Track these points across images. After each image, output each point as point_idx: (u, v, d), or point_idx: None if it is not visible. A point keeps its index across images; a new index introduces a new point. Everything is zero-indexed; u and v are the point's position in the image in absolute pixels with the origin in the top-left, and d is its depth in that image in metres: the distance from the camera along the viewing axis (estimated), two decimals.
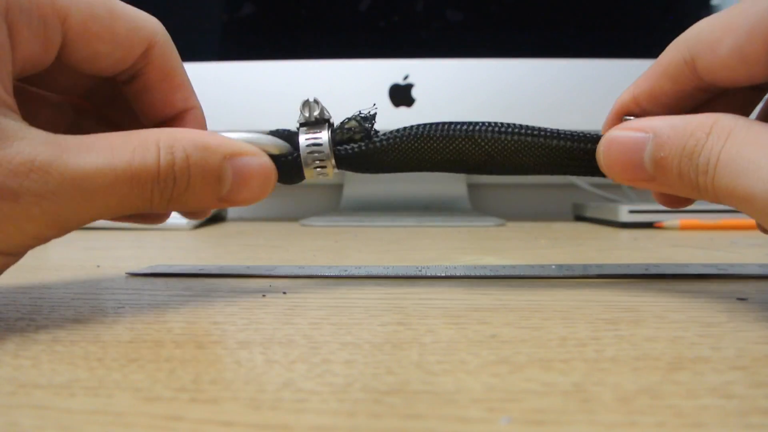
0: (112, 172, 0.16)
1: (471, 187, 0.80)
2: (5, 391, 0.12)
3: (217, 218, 0.66)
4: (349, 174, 0.75)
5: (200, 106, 0.23)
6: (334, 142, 0.22)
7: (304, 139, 0.21)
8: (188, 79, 0.23)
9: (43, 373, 0.13)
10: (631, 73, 0.69)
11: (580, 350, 0.14)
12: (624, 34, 0.64)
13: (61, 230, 0.17)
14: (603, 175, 0.21)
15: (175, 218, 0.58)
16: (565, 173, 0.22)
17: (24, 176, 0.15)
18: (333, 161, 0.22)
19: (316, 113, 0.21)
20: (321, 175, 0.22)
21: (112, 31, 0.19)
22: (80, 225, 0.17)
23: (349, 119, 0.22)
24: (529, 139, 0.21)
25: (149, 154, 0.17)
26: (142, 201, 0.17)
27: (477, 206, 0.80)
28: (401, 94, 0.63)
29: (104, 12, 0.19)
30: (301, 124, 0.22)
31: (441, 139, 0.21)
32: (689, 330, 0.16)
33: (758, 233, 0.49)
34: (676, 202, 0.22)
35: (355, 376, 0.13)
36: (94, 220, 0.17)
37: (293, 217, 0.70)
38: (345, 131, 0.22)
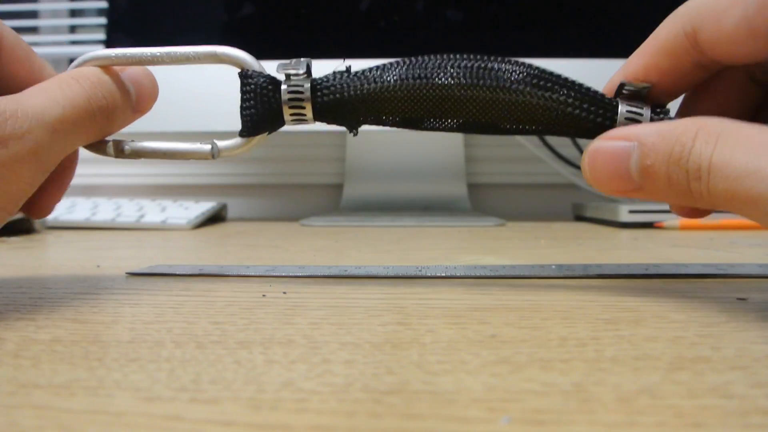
0: (69, 104, 0.20)
1: (471, 187, 0.80)
2: (5, 391, 0.12)
3: (217, 218, 0.66)
4: (349, 174, 0.75)
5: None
6: (313, 90, 0.22)
7: (285, 86, 0.22)
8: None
9: (43, 373, 0.13)
10: None
11: (580, 350, 0.14)
12: (624, 34, 0.64)
13: (45, 167, 0.19)
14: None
15: (176, 218, 0.58)
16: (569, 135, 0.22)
17: (3, 125, 0.17)
18: (311, 106, 0.22)
19: (302, 70, 0.22)
20: (299, 120, 0.22)
21: (29, 56, 0.23)
22: (57, 158, 0.20)
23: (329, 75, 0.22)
24: (540, 101, 0.20)
25: (91, 96, 0.21)
26: (91, 129, 0.21)
27: (477, 206, 0.80)
28: None
29: (19, 41, 0.22)
30: (286, 75, 0.22)
31: (425, 90, 0.21)
32: (689, 330, 0.16)
33: (758, 233, 0.49)
34: (695, 213, 0.21)
35: (355, 376, 0.13)
36: (65, 151, 0.20)
37: (293, 217, 0.70)
38: (324, 85, 0.22)
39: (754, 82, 0.21)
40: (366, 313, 0.19)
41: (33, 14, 1.04)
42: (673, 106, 0.22)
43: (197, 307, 0.20)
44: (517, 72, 0.21)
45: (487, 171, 0.83)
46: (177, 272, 0.27)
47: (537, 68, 0.21)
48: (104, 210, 0.59)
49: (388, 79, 0.22)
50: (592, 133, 0.21)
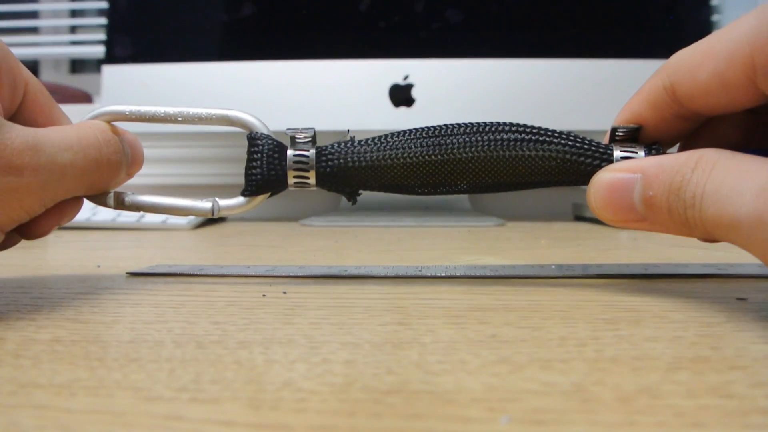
0: (82, 152, 0.21)
1: None
2: (6, 390, 0.12)
3: (218, 218, 0.66)
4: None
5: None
6: (318, 157, 0.23)
7: (291, 151, 0.23)
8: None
9: (43, 373, 0.13)
10: (630, 73, 0.69)
11: (580, 350, 0.14)
12: (624, 34, 0.64)
13: (45, 202, 0.20)
14: None
15: (176, 218, 0.58)
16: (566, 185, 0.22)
17: (24, 154, 0.18)
18: (315, 173, 0.23)
19: (308, 136, 0.23)
20: (302, 185, 0.23)
21: (50, 104, 0.24)
22: (58, 198, 0.21)
23: (334, 144, 0.23)
24: (532, 152, 0.21)
25: (99, 142, 0.22)
26: (100, 174, 0.22)
27: (477, 206, 0.80)
28: (401, 94, 0.63)
29: (42, 89, 0.24)
30: (292, 139, 0.23)
31: (423, 165, 0.22)
32: (689, 330, 0.16)
33: None
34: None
35: (355, 376, 0.13)
36: (68, 194, 0.21)
37: (293, 217, 0.70)
38: (328, 152, 0.23)
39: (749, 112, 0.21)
40: (366, 313, 0.19)
41: (33, 14, 1.04)
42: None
43: (197, 307, 0.20)
44: (516, 132, 0.22)
45: None
46: (177, 272, 0.27)
47: (532, 126, 0.22)
48: (105, 210, 0.59)
49: (389, 150, 0.23)
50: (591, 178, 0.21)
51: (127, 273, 0.27)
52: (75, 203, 0.23)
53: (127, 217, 0.57)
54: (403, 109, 0.63)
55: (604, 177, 0.20)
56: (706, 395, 0.11)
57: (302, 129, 0.23)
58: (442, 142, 0.22)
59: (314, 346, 0.15)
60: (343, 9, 0.66)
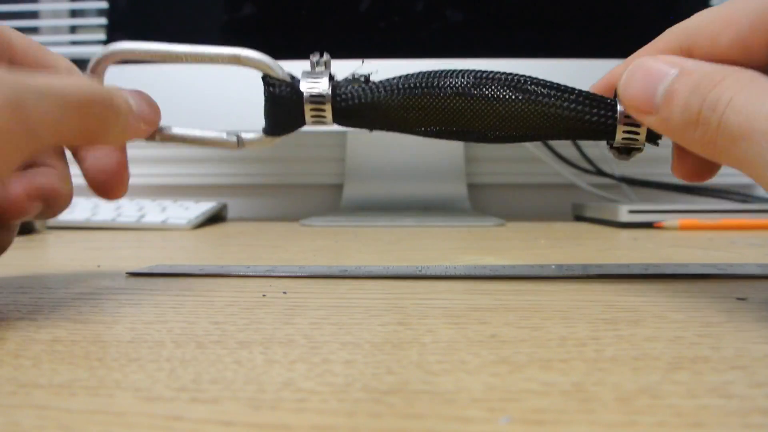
0: (68, 91, 0.19)
1: (471, 187, 0.80)
2: (6, 390, 0.12)
3: (217, 218, 0.66)
4: (349, 174, 0.75)
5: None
6: (334, 93, 0.23)
7: (305, 84, 0.23)
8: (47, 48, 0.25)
9: (43, 373, 0.13)
10: None
11: (580, 350, 0.14)
12: (624, 34, 0.64)
13: (34, 145, 0.18)
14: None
15: (176, 218, 0.58)
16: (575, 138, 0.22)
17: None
18: (331, 108, 0.23)
19: (321, 67, 0.23)
20: (319, 121, 0.23)
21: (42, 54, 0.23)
22: (46, 141, 0.19)
23: (349, 79, 0.23)
24: (544, 102, 0.21)
25: (84, 86, 0.20)
26: (86, 120, 0.20)
27: (477, 206, 0.80)
28: None
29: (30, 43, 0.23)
30: (304, 72, 0.23)
31: (443, 97, 0.22)
32: (689, 330, 0.16)
33: (758, 233, 0.49)
34: (695, 174, 0.22)
35: (355, 376, 0.13)
36: (55, 139, 0.19)
37: (293, 217, 0.70)
38: (345, 84, 0.23)
39: None
40: (366, 313, 0.19)
41: (33, 14, 1.04)
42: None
43: (197, 307, 0.20)
44: (522, 77, 0.22)
45: (487, 171, 0.83)
46: (177, 272, 0.27)
47: (538, 78, 0.22)
48: (105, 210, 0.59)
49: (398, 87, 0.22)
50: (593, 132, 0.21)
51: (127, 273, 0.27)
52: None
53: (127, 217, 0.57)
54: None
55: (644, 62, 0.20)
56: (706, 395, 0.11)
57: (317, 61, 0.23)
58: (446, 81, 0.22)
59: (314, 346, 0.15)
60: (342, 9, 0.66)
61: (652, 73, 0.19)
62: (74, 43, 1.01)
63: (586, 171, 0.77)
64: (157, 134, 0.24)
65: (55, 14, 1.05)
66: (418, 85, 0.22)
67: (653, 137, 0.21)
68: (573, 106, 0.21)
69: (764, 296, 0.21)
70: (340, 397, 0.11)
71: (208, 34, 0.68)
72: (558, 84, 0.22)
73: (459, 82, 0.22)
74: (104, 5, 0.68)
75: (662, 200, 0.77)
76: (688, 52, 0.19)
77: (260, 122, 0.24)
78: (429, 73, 0.23)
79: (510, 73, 0.22)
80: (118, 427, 0.10)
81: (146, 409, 0.11)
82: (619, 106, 0.21)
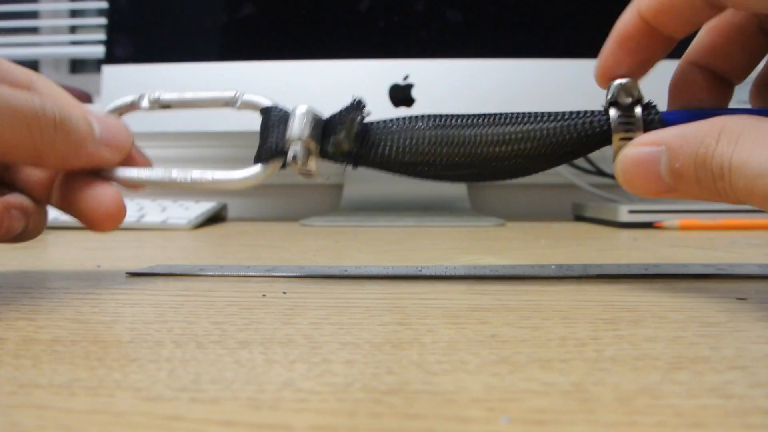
0: (15, 100, 0.19)
1: (471, 187, 0.80)
2: (6, 390, 0.12)
3: (218, 218, 0.66)
4: (349, 174, 0.75)
5: (42, 77, 0.26)
6: (322, 151, 0.23)
7: (293, 149, 0.23)
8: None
9: (43, 373, 0.13)
10: None
11: (580, 350, 0.14)
12: None
13: None
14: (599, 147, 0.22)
15: (176, 218, 0.58)
16: (562, 161, 0.22)
17: None
18: (316, 165, 0.23)
19: (307, 128, 0.22)
20: (304, 175, 0.23)
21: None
22: None
23: (338, 131, 0.22)
24: (519, 128, 0.21)
25: (35, 99, 0.20)
26: (32, 130, 0.20)
27: (477, 206, 0.80)
28: (401, 94, 0.63)
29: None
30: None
31: (425, 153, 0.22)
32: (689, 330, 0.16)
33: (758, 233, 0.49)
34: None
35: (355, 376, 0.13)
36: (3, 148, 0.19)
37: (293, 217, 0.70)
38: (334, 145, 0.22)
39: (764, 33, 0.22)
40: (366, 313, 0.19)
41: (33, 14, 1.04)
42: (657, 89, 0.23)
43: (197, 307, 0.20)
44: (513, 115, 0.22)
45: None
46: (177, 272, 0.27)
47: (524, 113, 0.22)
48: None
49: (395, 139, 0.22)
50: (590, 140, 0.22)
51: (127, 273, 0.27)
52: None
53: (127, 217, 0.57)
54: (403, 109, 0.63)
55: (629, 153, 0.20)
56: (706, 395, 0.11)
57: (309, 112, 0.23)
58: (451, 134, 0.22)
59: (314, 346, 0.15)
60: (343, 9, 0.66)
61: (643, 160, 0.20)
62: (74, 43, 1.01)
63: (586, 171, 0.77)
64: (147, 102, 0.25)
65: (55, 14, 1.05)
66: (410, 139, 0.22)
67: None
68: (565, 123, 0.22)
69: (764, 296, 0.21)
70: (340, 397, 0.11)
71: (208, 34, 0.68)
72: (542, 112, 0.22)
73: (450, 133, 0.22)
74: (104, 5, 0.68)
75: (662, 200, 0.77)
76: (643, 20, 0.20)
77: (259, 121, 0.24)
78: (412, 122, 0.23)
79: (497, 114, 0.22)
80: (118, 427, 0.10)
81: (146, 409, 0.11)
82: (611, 112, 0.21)
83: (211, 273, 0.27)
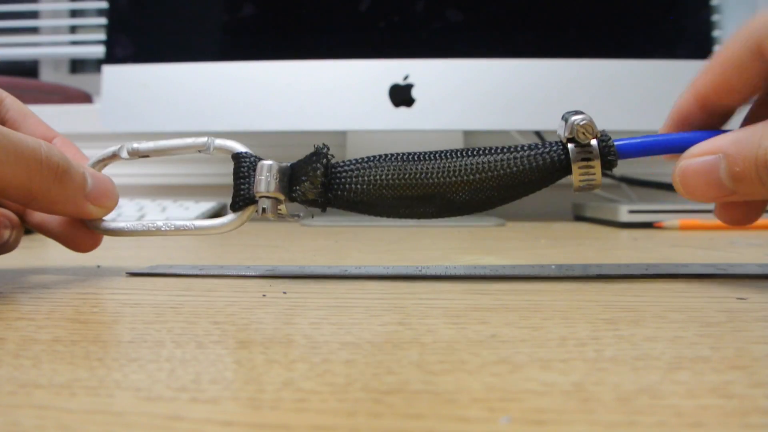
0: (23, 144, 0.20)
1: None
2: (6, 390, 0.12)
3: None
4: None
5: (62, 136, 0.28)
6: (290, 197, 0.24)
7: (261, 202, 0.24)
8: (41, 120, 0.28)
9: (43, 373, 0.13)
10: (630, 73, 0.69)
11: (580, 350, 0.14)
12: (624, 34, 0.64)
13: None
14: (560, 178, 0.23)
15: (176, 218, 0.57)
16: (527, 191, 0.24)
17: None
18: (286, 210, 0.24)
19: (273, 182, 0.24)
20: (277, 218, 0.24)
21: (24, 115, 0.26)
22: None
23: (302, 181, 0.23)
24: (481, 159, 0.23)
25: (43, 145, 0.21)
26: (32, 174, 0.21)
27: None
28: (401, 94, 0.63)
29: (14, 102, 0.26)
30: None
31: (390, 188, 0.23)
32: (689, 330, 0.16)
33: (758, 233, 0.49)
34: (743, 220, 0.24)
35: (355, 376, 0.13)
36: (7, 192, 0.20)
37: None
38: (300, 193, 0.23)
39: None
40: (366, 313, 0.19)
41: (33, 14, 1.04)
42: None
43: (197, 307, 0.20)
44: (473, 149, 0.23)
45: None
46: (177, 272, 0.27)
47: (484, 147, 0.24)
48: None
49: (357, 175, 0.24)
50: (549, 172, 0.23)
51: (127, 273, 0.27)
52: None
53: (127, 217, 0.57)
54: (403, 109, 0.63)
55: (686, 164, 0.21)
56: (706, 395, 0.11)
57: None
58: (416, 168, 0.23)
59: (314, 346, 0.15)
60: (343, 9, 0.66)
61: (702, 169, 0.21)
62: (74, 43, 1.01)
63: None
64: (133, 152, 0.26)
65: (55, 14, 1.05)
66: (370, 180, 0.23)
67: (608, 167, 0.23)
68: (525, 153, 0.23)
69: (764, 296, 0.21)
70: (340, 397, 0.11)
71: (208, 34, 0.68)
72: (502, 146, 0.23)
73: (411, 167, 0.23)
74: (104, 5, 0.68)
75: (662, 200, 0.77)
76: (758, 54, 0.20)
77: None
78: (373, 161, 0.23)
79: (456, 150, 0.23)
80: (118, 427, 0.10)
81: (146, 409, 0.11)
82: (569, 146, 0.22)
83: (211, 273, 0.27)
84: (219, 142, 0.25)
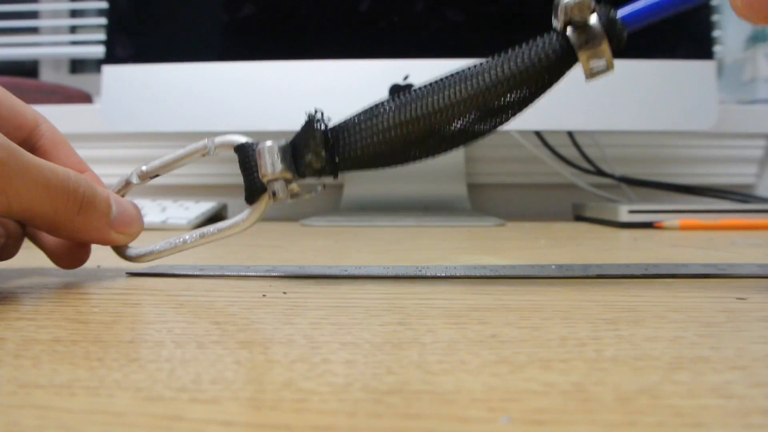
0: (51, 174, 0.20)
1: (471, 187, 0.80)
2: (6, 391, 0.12)
3: (218, 218, 0.66)
4: (349, 174, 0.75)
5: (91, 170, 0.28)
6: (299, 173, 0.23)
7: (271, 186, 0.23)
8: (74, 151, 0.28)
9: (43, 373, 0.13)
10: (631, 73, 0.69)
11: (580, 350, 0.14)
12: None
13: (1, 208, 0.20)
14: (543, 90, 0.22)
15: (176, 218, 0.58)
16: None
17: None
18: (298, 188, 0.24)
19: (278, 163, 0.23)
20: (294, 198, 0.24)
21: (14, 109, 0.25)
22: (13, 211, 0.20)
23: (304, 153, 0.23)
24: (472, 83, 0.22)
25: (71, 176, 0.21)
26: (58, 204, 0.21)
27: (477, 206, 0.80)
28: None
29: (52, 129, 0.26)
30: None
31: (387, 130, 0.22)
32: (689, 330, 0.16)
33: (758, 233, 0.49)
34: None
35: (355, 376, 0.13)
36: (24, 211, 0.20)
37: (293, 217, 0.70)
38: (307, 166, 0.23)
39: None
40: (366, 313, 0.19)
41: (33, 14, 1.04)
42: None
43: (197, 307, 0.20)
44: (467, 69, 0.23)
45: (487, 171, 0.83)
46: (177, 272, 0.27)
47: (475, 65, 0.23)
48: None
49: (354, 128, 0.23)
50: (556, 66, 0.21)
51: (127, 273, 0.27)
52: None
53: None
54: None
55: None
56: (706, 395, 0.11)
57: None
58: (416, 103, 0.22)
59: (314, 346, 0.15)
60: (342, 9, 0.66)
61: None
62: (74, 43, 1.01)
63: (586, 171, 0.77)
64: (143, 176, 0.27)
65: (55, 14, 1.05)
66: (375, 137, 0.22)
67: (618, 43, 0.21)
68: (526, 52, 0.21)
69: (764, 296, 0.21)
70: (340, 397, 0.11)
71: (207, 35, 0.68)
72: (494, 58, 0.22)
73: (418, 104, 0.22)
74: (104, 5, 0.68)
75: (662, 200, 0.77)
76: None
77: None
78: (374, 109, 0.23)
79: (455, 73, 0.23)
80: (118, 427, 0.10)
81: (146, 409, 0.11)
82: (569, 32, 0.21)
83: (211, 273, 0.27)
84: (219, 140, 0.25)
